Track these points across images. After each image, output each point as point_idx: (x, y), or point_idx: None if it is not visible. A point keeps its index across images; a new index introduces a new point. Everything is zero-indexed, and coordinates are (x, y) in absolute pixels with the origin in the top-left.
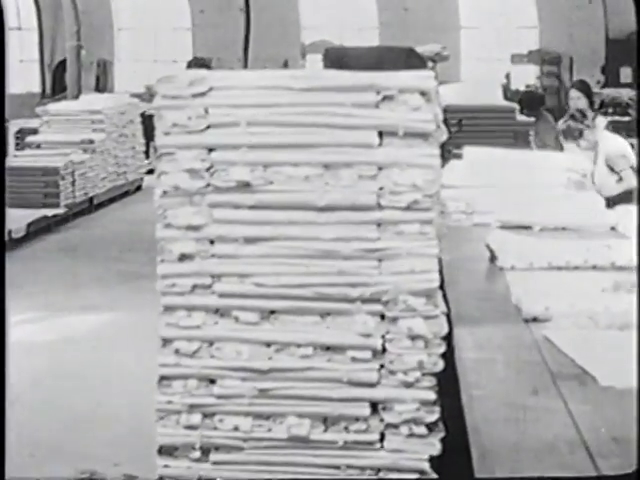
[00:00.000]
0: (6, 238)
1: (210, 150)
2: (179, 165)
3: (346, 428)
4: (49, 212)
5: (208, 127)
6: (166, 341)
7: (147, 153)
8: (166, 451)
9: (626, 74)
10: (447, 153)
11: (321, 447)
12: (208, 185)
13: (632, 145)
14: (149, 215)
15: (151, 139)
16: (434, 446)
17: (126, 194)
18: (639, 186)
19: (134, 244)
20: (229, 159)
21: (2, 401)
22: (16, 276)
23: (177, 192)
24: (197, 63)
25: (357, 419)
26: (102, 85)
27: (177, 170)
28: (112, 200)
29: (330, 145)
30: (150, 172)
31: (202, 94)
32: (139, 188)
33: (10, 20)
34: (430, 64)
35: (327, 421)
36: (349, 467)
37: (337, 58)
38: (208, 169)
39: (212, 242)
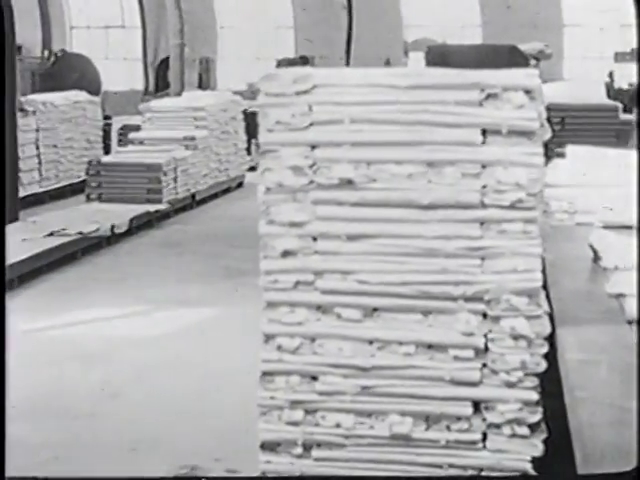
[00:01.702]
0: (109, 233)
1: (313, 147)
2: (283, 162)
3: (448, 427)
4: (151, 208)
5: (311, 124)
6: (268, 337)
7: (249, 150)
8: (268, 447)
9: None
10: (550, 152)
11: (423, 446)
12: (311, 182)
13: None
14: (251, 212)
15: (253, 136)
16: (536, 447)
17: (228, 191)
18: (639, 186)
19: (236, 240)
20: (332, 156)
21: (2, 401)
22: (119, 271)
23: (280, 189)
24: (290, 62)
25: (459, 418)
26: (205, 82)
27: (281, 167)
28: (214, 197)
29: (434, 143)
30: (252, 169)
31: (306, 92)
32: (241, 185)
33: (114, 18)
34: (533, 62)
35: (429, 420)
36: (451, 466)
37: (440, 56)
38: (311, 166)
39: (315, 239)
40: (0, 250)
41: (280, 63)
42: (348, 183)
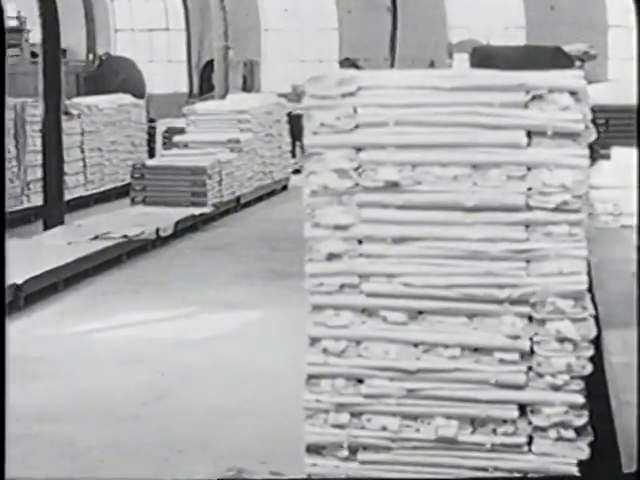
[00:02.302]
0: (154, 236)
1: (358, 150)
2: (328, 165)
3: (494, 430)
4: (196, 211)
5: (356, 127)
6: (314, 340)
7: (293, 153)
8: (314, 449)
9: None
10: (595, 154)
11: (469, 449)
12: (356, 185)
13: None
14: (295, 214)
15: (297, 139)
16: (582, 450)
17: (272, 193)
18: (639, 185)
19: (280, 243)
20: (377, 159)
21: (2, 401)
22: (164, 274)
23: (326, 192)
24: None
25: (505, 421)
26: (249, 85)
27: (326, 170)
28: (258, 199)
29: (479, 145)
30: (296, 172)
31: (351, 94)
32: (285, 187)
33: (159, 21)
34: (578, 63)
35: (475, 423)
36: (496, 469)
37: (484, 58)
38: (356, 169)
39: (360, 242)
40: (0, 253)
41: (342, 64)
42: (393, 186)
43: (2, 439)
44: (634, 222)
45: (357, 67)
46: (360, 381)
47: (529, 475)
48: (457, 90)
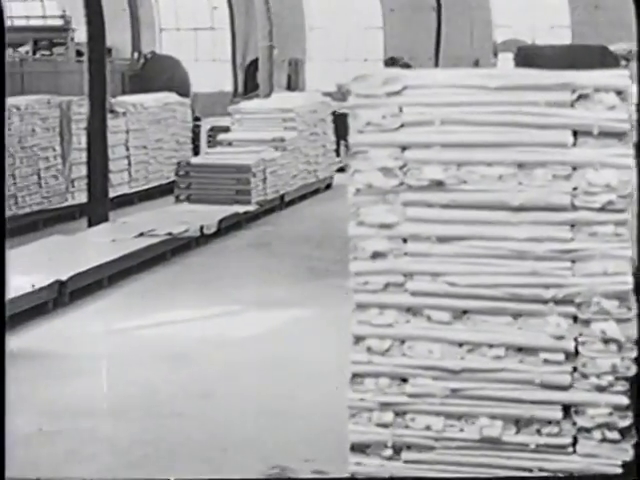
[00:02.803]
0: (198, 234)
1: (403, 149)
2: (373, 163)
3: (538, 431)
4: (240, 209)
5: (402, 126)
6: (358, 339)
7: (338, 151)
8: (358, 448)
9: None
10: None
11: (513, 449)
12: (401, 183)
13: None
14: (339, 213)
15: (342, 137)
16: (627, 451)
17: (316, 192)
18: (639, 186)
19: (324, 241)
20: (422, 158)
21: (2, 402)
22: (208, 272)
23: (370, 190)
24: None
25: (549, 422)
26: (293, 84)
27: (371, 168)
28: (302, 198)
29: (524, 144)
30: (340, 170)
31: (396, 93)
32: (329, 186)
33: (204, 20)
34: (623, 62)
35: (519, 423)
36: (541, 470)
37: (529, 57)
38: (401, 167)
39: (405, 241)
40: (0, 254)
41: (386, 63)
42: (438, 185)
43: (2, 439)
44: None
45: (407, 66)
46: (404, 380)
47: (529, 475)
48: (503, 89)
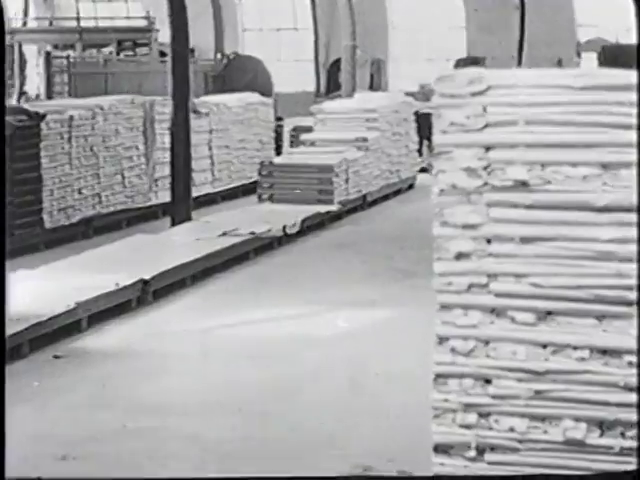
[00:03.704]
0: (281, 233)
1: (487, 149)
2: (457, 164)
3: (622, 434)
4: (323, 209)
5: (486, 126)
6: (442, 339)
7: (420, 151)
8: (442, 449)
9: None
10: None
11: (597, 452)
12: (485, 184)
13: None
14: (422, 213)
15: (424, 137)
16: None
17: (399, 192)
18: (639, 186)
19: (407, 242)
20: (507, 158)
21: (2, 402)
22: (291, 271)
23: (454, 191)
24: (468, 62)
25: (634, 425)
26: (376, 84)
27: (455, 169)
28: (385, 198)
29: (609, 145)
30: (423, 170)
31: (480, 93)
32: (412, 186)
33: (286, 20)
34: None
35: (603, 426)
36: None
37: (614, 56)
38: (485, 168)
39: (489, 241)
40: (0, 255)
41: (458, 63)
42: (522, 185)
43: (2, 439)
44: None
45: (477, 64)
46: (488, 381)
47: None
48: (587, 89)
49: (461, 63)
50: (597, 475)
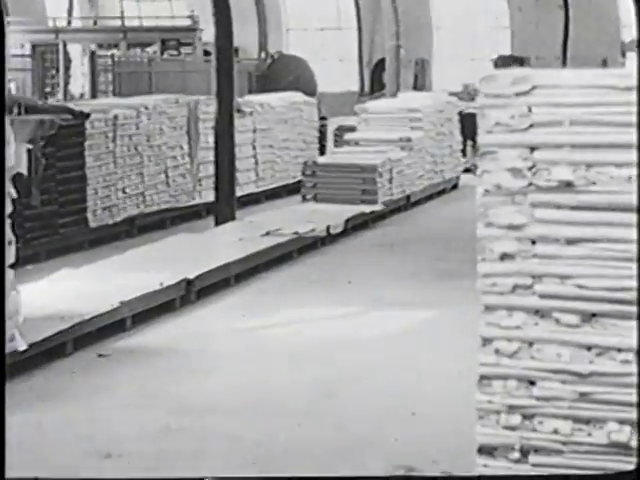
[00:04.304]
0: (324, 233)
1: (532, 149)
2: (501, 164)
3: None
4: (366, 209)
5: (531, 126)
6: (486, 340)
7: (464, 151)
8: (485, 450)
9: None
10: None
11: None
12: (530, 184)
13: None
14: (465, 214)
15: (468, 137)
16: None
17: (442, 192)
18: (638, 183)
19: (450, 242)
20: (552, 158)
21: (2, 402)
22: (334, 271)
23: (499, 191)
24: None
25: None
26: (420, 83)
27: (499, 169)
28: (428, 198)
29: None
30: (467, 170)
31: (525, 93)
32: (455, 186)
33: (330, 20)
34: None
35: None
36: None
37: None
38: (530, 168)
39: (533, 242)
40: (0, 255)
41: (497, 62)
42: (567, 186)
43: (2, 439)
44: None
45: (522, 63)
46: (532, 383)
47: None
48: (632, 89)
49: (500, 61)
50: (597, 476)
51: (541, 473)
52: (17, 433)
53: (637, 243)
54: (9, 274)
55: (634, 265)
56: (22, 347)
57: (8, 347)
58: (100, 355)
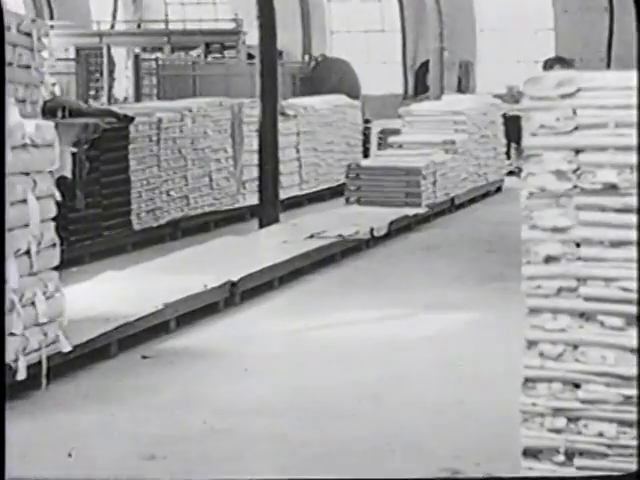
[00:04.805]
0: (368, 236)
1: (577, 152)
2: (546, 166)
3: None
4: (410, 211)
5: (576, 128)
6: (531, 343)
7: (508, 154)
8: (530, 453)
9: None
10: None
11: None
12: (575, 187)
13: None
14: (509, 217)
15: (512, 140)
16: None
17: (486, 195)
18: (638, 184)
19: (494, 245)
20: (596, 161)
21: (2, 402)
22: (378, 274)
23: (543, 193)
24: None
25: None
26: (464, 86)
27: (544, 171)
28: (472, 201)
29: None
30: (510, 173)
31: (570, 95)
32: (499, 189)
33: (374, 23)
34: None
35: None
36: None
37: None
38: (575, 171)
39: (578, 245)
40: (0, 256)
41: (546, 63)
42: (612, 188)
43: (2, 439)
44: None
45: (567, 65)
46: (577, 386)
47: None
48: None
49: (549, 63)
50: (601, 477)
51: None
52: (60, 434)
53: (637, 244)
54: (54, 276)
55: None
56: (66, 349)
57: (52, 348)
58: (144, 357)
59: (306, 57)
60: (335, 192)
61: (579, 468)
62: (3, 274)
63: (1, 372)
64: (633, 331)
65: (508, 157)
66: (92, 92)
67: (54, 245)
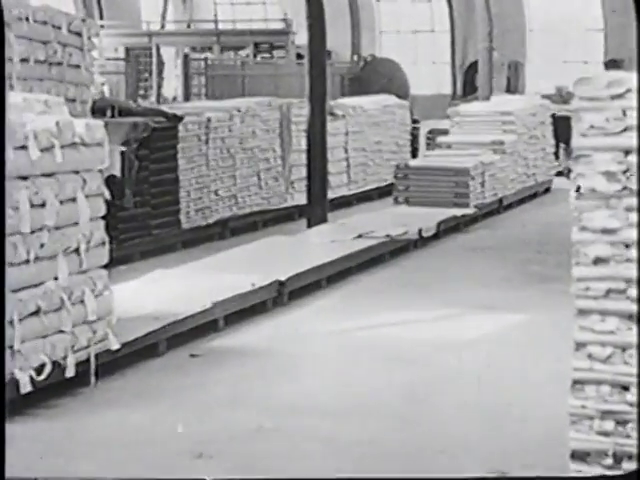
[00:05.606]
0: (416, 236)
1: (627, 153)
2: (596, 167)
3: None
4: (458, 212)
5: (625, 129)
6: (580, 345)
7: (557, 155)
8: (578, 456)
9: None
10: None
11: None
12: (624, 188)
13: None
14: (558, 217)
15: (561, 140)
16: None
17: (535, 196)
18: (638, 183)
19: (543, 246)
20: None
21: (2, 402)
22: (426, 274)
23: (593, 195)
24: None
25: None
26: (513, 86)
27: (594, 172)
28: (521, 201)
29: None
30: (559, 174)
31: (620, 96)
32: (548, 190)
33: (424, 23)
34: None
35: None
36: None
37: None
38: (625, 172)
39: (627, 246)
40: (0, 255)
41: (607, 65)
42: None
43: (2, 439)
44: None
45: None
46: (625, 388)
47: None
48: None
49: (610, 64)
50: (601, 477)
51: None
52: (109, 432)
53: (637, 244)
54: (103, 274)
55: None
56: (115, 346)
57: (101, 346)
58: (192, 355)
59: (355, 57)
60: (383, 192)
61: (627, 472)
62: (3, 274)
63: (1, 372)
64: None
65: (557, 158)
66: (141, 92)
67: (103, 243)
